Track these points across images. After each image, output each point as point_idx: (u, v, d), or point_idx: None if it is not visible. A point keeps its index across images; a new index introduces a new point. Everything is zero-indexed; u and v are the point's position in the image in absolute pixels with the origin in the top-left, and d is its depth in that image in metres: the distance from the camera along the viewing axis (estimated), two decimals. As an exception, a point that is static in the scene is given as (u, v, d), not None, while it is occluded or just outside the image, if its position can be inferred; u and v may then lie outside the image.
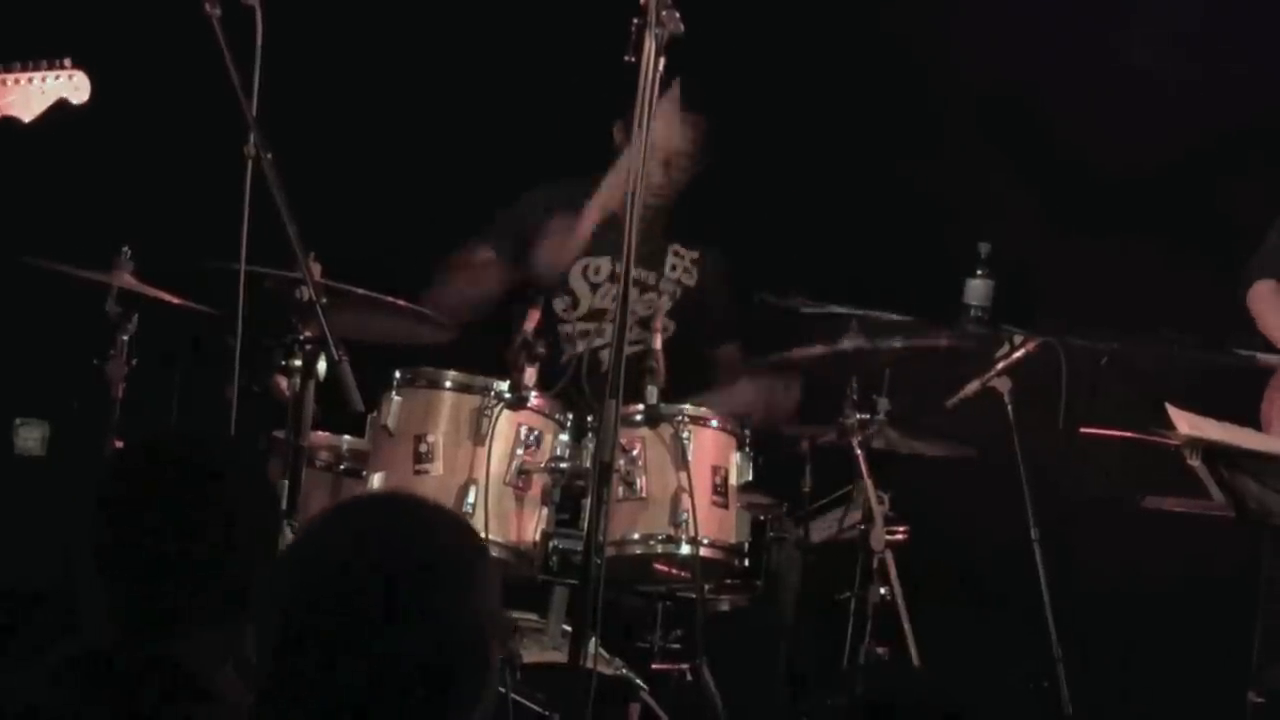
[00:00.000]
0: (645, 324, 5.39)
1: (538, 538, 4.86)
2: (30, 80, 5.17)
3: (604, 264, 5.81)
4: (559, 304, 5.82)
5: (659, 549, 4.93)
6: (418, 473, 4.88)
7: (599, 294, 5.81)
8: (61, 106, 5.20)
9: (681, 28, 4.26)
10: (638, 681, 4.93)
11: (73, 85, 5.20)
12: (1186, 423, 4.70)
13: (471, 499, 4.81)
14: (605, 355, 5.56)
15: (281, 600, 2.48)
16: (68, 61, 5.20)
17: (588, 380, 5.55)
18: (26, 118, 5.18)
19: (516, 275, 5.76)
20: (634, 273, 5.75)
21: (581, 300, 5.83)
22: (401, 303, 4.95)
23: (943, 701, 2.61)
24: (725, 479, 5.01)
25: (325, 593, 2.44)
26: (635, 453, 4.92)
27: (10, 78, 5.18)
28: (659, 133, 5.51)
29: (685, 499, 4.89)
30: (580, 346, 5.78)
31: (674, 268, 5.93)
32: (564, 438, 4.95)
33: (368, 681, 2.42)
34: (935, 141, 6.51)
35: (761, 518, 5.22)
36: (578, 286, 5.83)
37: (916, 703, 2.62)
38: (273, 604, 2.50)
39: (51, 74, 5.18)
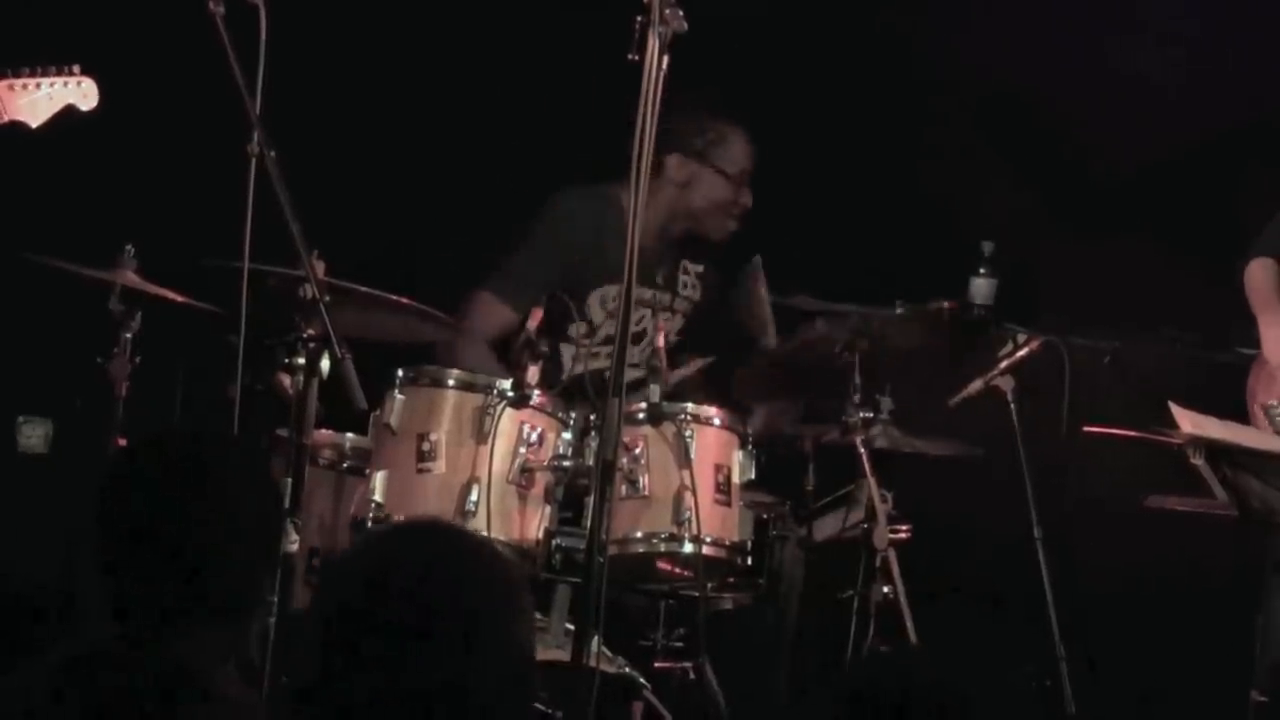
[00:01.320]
0: (655, 335, 5.39)
1: (540, 536, 4.86)
2: (39, 86, 5.19)
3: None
4: (575, 330, 5.77)
5: (662, 547, 4.93)
6: (420, 471, 4.88)
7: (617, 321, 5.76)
8: (69, 113, 5.21)
9: (685, 26, 4.26)
10: (640, 680, 4.93)
11: (81, 92, 5.21)
12: (1189, 421, 4.70)
13: (474, 497, 4.81)
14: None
15: (327, 620, 2.48)
16: (76, 68, 5.21)
17: (592, 390, 5.55)
18: (34, 124, 5.19)
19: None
20: (649, 294, 5.81)
21: (599, 328, 5.78)
22: (405, 301, 4.95)
23: (928, 683, 2.60)
24: (728, 477, 5.01)
25: (373, 617, 2.45)
26: (638, 451, 4.92)
27: (19, 83, 5.19)
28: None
29: (688, 497, 4.89)
30: (584, 366, 5.75)
31: (684, 285, 5.93)
32: (567, 436, 4.95)
33: (410, 703, 2.42)
34: (938, 141, 6.51)
35: (764, 516, 5.22)
36: (595, 314, 5.79)
37: (902, 686, 2.61)
38: (318, 623, 2.50)
39: (60, 80, 5.19)
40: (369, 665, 2.43)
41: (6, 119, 5.18)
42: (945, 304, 5.51)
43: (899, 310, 5.47)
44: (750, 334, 5.78)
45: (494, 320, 5.66)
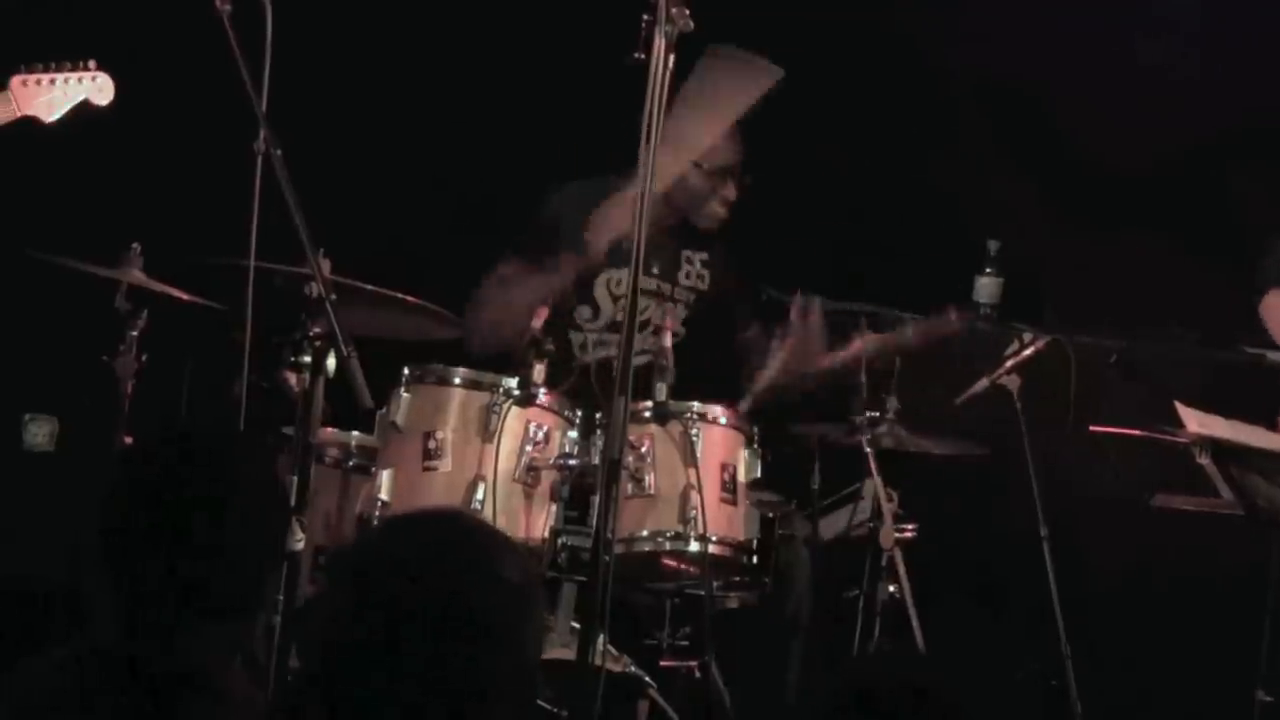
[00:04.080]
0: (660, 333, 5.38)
1: (546, 534, 4.86)
2: (53, 81, 5.20)
3: (625, 276, 5.74)
4: (580, 313, 5.78)
5: (668, 546, 4.93)
6: (426, 469, 4.88)
7: (620, 306, 5.76)
8: (85, 108, 5.21)
9: (691, 25, 4.25)
10: (646, 679, 4.93)
11: (96, 87, 5.22)
12: (1196, 421, 4.69)
13: (480, 495, 4.81)
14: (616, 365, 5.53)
15: (341, 608, 2.47)
16: (92, 63, 5.22)
17: (597, 384, 5.54)
18: (48, 118, 5.20)
19: (548, 286, 5.67)
20: (651, 283, 5.81)
21: (603, 311, 5.79)
22: (410, 299, 4.95)
23: (920, 680, 2.59)
24: (734, 476, 5.01)
25: (385, 607, 2.43)
26: (644, 449, 4.92)
27: (33, 79, 5.20)
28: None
29: (694, 496, 4.89)
30: (591, 355, 5.75)
31: (688, 275, 5.92)
32: (572, 434, 4.95)
33: (418, 696, 2.41)
34: (945, 139, 6.51)
35: (770, 515, 5.22)
36: (600, 297, 5.80)
37: (894, 684, 2.60)
38: (330, 611, 2.49)
39: (75, 75, 5.20)
40: (372, 656, 2.42)
41: (20, 114, 5.19)
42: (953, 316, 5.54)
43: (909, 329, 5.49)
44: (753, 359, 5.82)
45: (512, 274, 5.63)
